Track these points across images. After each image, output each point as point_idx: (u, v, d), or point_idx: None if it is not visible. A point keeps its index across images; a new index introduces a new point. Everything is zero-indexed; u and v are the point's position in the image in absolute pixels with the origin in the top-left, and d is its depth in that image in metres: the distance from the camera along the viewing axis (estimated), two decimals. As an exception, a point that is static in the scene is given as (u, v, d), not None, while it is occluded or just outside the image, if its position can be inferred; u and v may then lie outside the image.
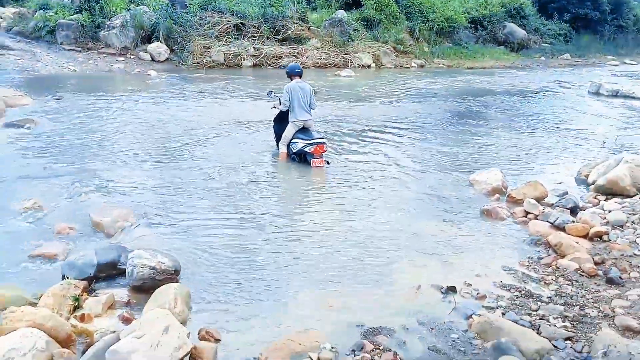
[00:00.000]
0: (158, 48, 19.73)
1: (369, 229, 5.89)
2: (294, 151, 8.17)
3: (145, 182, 7.15)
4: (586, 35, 34.00)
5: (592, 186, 7.39)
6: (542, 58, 29.25)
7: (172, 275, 4.44)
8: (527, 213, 6.44)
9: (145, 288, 4.30)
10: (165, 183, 7.13)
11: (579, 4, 34.02)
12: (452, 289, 4.59)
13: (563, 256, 5.34)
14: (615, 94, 16.75)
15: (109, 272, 4.55)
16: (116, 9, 20.39)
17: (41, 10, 20.14)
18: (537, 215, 6.34)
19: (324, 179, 7.72)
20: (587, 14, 34.07)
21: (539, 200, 6.74)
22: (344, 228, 5.89)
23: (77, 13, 20.01)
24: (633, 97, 16.38)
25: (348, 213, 6.36)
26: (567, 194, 7.01)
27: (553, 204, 6.67)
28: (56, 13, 19.95)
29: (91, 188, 6.79)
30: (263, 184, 7.32)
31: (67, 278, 4.34)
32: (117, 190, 6.79)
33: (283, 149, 8.33)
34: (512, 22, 29.89)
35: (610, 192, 6.99)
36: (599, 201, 6.86)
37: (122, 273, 4.51)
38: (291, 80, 8.22)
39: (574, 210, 6.43)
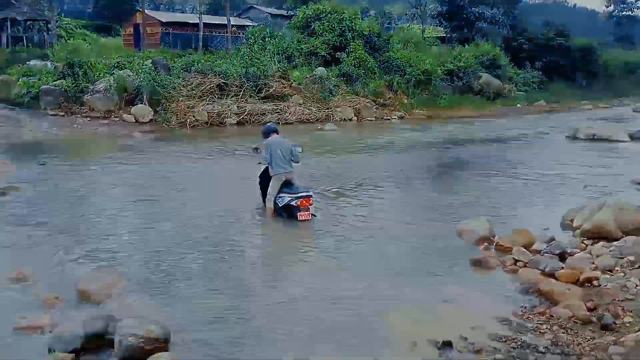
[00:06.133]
0: (142, 110, 19.90)
1: (359, 287, 5.81)
2: (280, 205, 8.21)
3: (132, 246, 7.07)
4: (559, 82, 35.23)
5: (578, 231, 7.46)
6: (518, 105, 30.09)
7: (162, 344, 4.32)
8: (517, 261, 6.45)
9: (134, 359, 4.17)
10: (153, 247, 7.04)
11: (549, 52, 35.48)
12: (448, 344, 4.52)
13: (556, 303, 5.33)
14: (592, 138, 17.20)
15: (97, 343, 4.42)
16: (99, 74, 20.70)
17: (24, 77, 20.35)
18: (527, 263, 6.36)
19: (311, 235, 7.70)
20: (558, 62, 35.45)
21: (527, 247, 6.77)
22: (333, 288, 5.79)
23: (60, 79, 20.26)
24: (609, 140, 16.84)
25: (337, 271, 6.29)
26: (554, 239, 7.06)
27: (541, 251, 6.70)
28: (39, 79, 20.17)
29: (77, 255, 6.68)
30: (252, 246, 7.26)
31: (54, 352, 4.21)
32: (104, 256, 6.68)
33: (270, 205, 8.30)
34: (486, 72, 30.89)
35: (596, 236, 7.05)
36: (586, 246, 6.90)
37: (112, 343, 4.38)
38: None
39: (562, 257, 6.45)
